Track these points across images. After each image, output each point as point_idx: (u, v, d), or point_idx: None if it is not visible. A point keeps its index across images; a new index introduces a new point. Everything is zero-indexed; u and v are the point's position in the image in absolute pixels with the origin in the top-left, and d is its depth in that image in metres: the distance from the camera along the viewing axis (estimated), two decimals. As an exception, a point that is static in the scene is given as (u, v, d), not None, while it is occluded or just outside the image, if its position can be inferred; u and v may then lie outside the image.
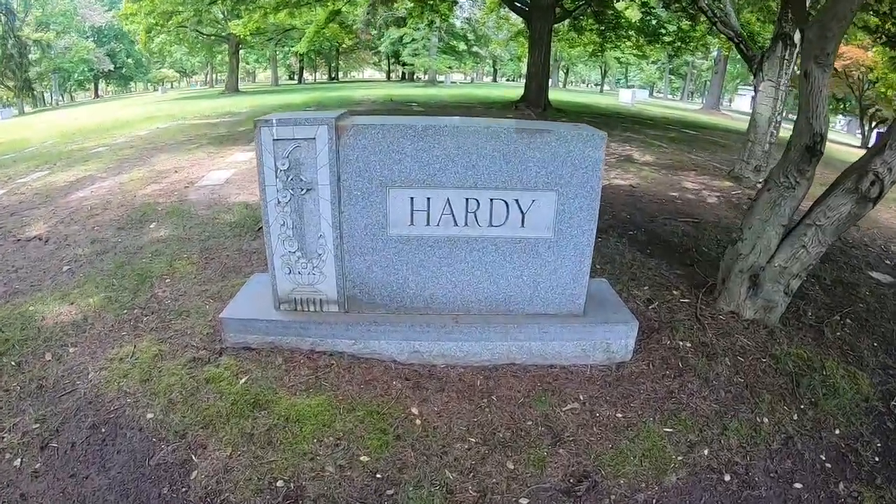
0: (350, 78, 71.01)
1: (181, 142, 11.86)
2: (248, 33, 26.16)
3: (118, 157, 10.12)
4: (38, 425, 2.85)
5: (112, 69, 53.71)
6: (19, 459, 2.65)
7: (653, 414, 3.05)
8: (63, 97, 52.83)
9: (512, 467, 2.64)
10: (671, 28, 22.52)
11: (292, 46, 45.08)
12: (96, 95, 57.99)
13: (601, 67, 60.27)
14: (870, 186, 3.55)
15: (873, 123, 28.19)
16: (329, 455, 2.64)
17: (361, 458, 2.63)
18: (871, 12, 6.20)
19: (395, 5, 19.65)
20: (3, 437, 2.77)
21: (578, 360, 3.40)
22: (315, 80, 67.92)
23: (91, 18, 50.79)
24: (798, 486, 2.71)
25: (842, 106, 34.39)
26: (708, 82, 47.89)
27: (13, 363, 3.36)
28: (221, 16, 32.93)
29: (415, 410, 2.98)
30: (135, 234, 5.64)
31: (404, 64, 49.18)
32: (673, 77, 66.16)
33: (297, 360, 3.31)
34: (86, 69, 49.68)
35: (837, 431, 3.08)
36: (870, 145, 25.66)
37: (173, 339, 3.60)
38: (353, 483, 2.49)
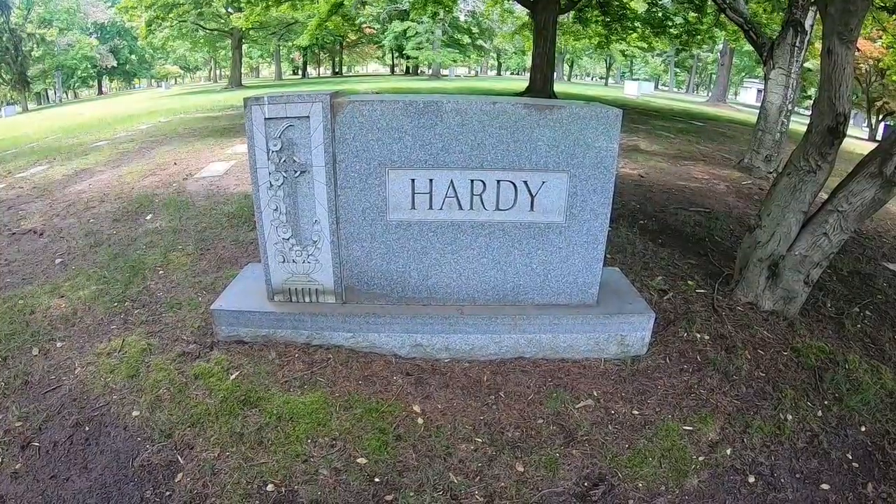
0: (354, 72, 71.34)
1: (182, 135, 11.87)
2: (249, 27, 26.14)
3: (118, 151, 10.09)
4: (20, 423, 2.78)
5: (115, 66, 54.20)
6: (0, 459, 2.57)
7: (671, 411, 2.92)
8: (67, 94, 53.11)
9: (521, 470, 2.52)
10: (678, 20, 22.33)
11: (295, 41, 45.23)
12: (100, 92, 58.52)
13: (606, 60, 60.33)
14: (895, 170, 3.37)
15: (881, 116, 28.26)
16: (323, 457, 2.52)
17: (358, 461, 2.51)
18: None
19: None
20: None
21: (591, 354, 3.26)
22: (319, 74, 68.21)
23: (93, 15, 51.19)
24: (825, 486, 2.59)
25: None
26: (713, 75, 47.85)
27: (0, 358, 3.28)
28: (223, 10, 32.94)
29: (417, 408, 2.86)
30: (130, 226, 5.59)
31: (408, 58, 49.25)
32: (678, 70, 66.29)
33: (292, 355, 3.21)
34: (89, 66, 50.10)
35: (863, 428, 2.96)
36: (878, 138, 25.66)
37: (163, 332, 3.51)
38: (348, 487, 2.36)
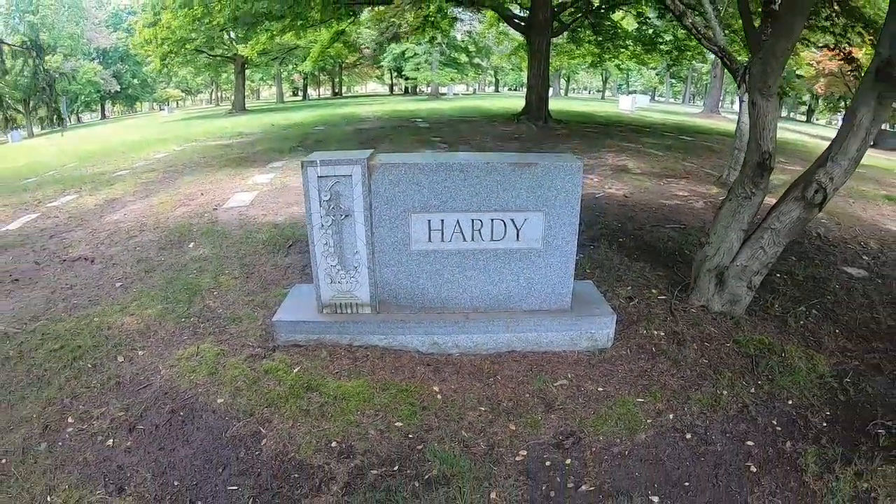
0: (353, 92, 71.65)
1: (199, 164, 12.38)
2: (254, 54, 26.81)
3: (142, 181, 10.65)
4: (122, 413, 3.35)
5: (118, 90, 54.35)
6: (111, 440, 3.14)
7: (628, 388, 3.66)
8: (70, 118, 53.64)
9: (514, 428, 3.27)
10: (668, 37, 22.80)
11: (296, 64, 45.70)
12: (103, 116, 58.49)
13: (602, 74, 60.67)
14: (814, 194, 4.14)
15: None
16: (371, 422, 3.27)
17: (396, 424, 3.26)
18: (829, 33, 6.80)
19: (395, 20, 19.96)
20: (94, 424, 3.27)
21: (567, 347, 4.05)
22: (319, 95, 68.57)
23: (97, 41, 51.45)
24: (750, 443, 3.19)
25: (841, 104, 34.79)
26: (709, 85, 48.09)
27: (89, 365, 3.86)
28: (228, 37, 33.61)
29: (436, 388, 3.62)
30: (176, 254, 6.16)
31: (407, 78, 49.69)
32: (674, 81, 66.36)
33: (339, 353, 3.95)
34: (93, 91, 50.32)
35: (790, 402, 3.54)
36: (865, 143, 26.14)
37: (231, 340, 4.17)
38: (391, 441, 3.13)
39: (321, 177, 3.66)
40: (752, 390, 3.67)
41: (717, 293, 4.65)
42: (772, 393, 3.65)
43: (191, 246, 6.42)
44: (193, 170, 11.71)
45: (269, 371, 3.75)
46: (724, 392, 3.64)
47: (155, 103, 68.37)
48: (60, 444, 3.15)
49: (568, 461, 3.04)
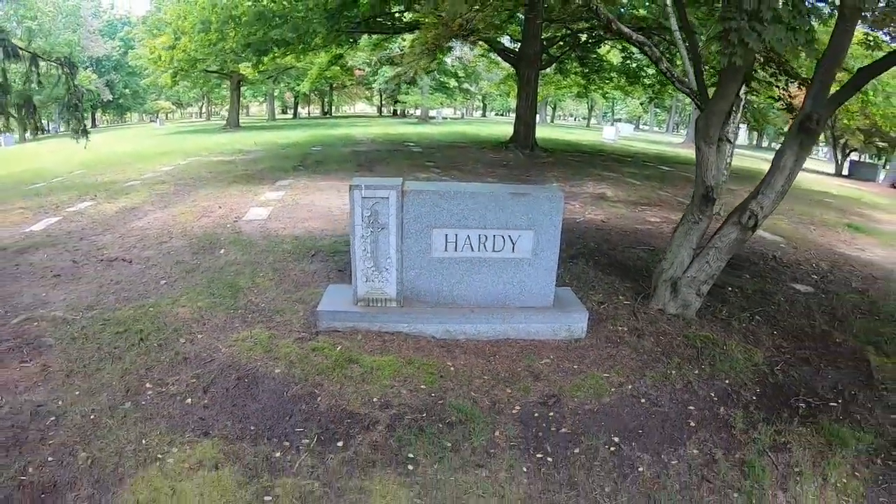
0: (342, 112, 72.00)
1: (209, 179, 13.01)
2: (255, 74, 27.44)
3: (157, 192, 11.28)
4: (195, 380, 3.99)
5: (110, 99, 54.34)
6: (189, 399, 3.78)
7: (597, 367, 4.59)
8: (59, 126, 53.53)
9: (510, 391, 4.20)
10: (650, 71, 23.91)
11: (289, 82, 46.31)
12: (93, 125, 58.17)
13: (588, 103, 61.40)
14: (748, 220, 5.13)
15: (847, 152, 29.81)
16: (402, 385, 4.16)
17: (421, 387, 4.17)
18: (774, 86, 7.81)
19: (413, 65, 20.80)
20: (170, 388, 3.89)
21: (550, 336, 5.01)
22: (309, 113, 68.96)
23: (91, 49, 51.33)
24: (691, 407, 4.03)
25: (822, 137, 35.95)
26: (691, 115, 48.60)
27: (156, 345, 4.48)
28: (236, 58, 34.29)
29: (449, 363, 4.49)
30: (210, 258, 6.76)
31: (396, 101, 50.22)
32: (658, 110, 67.38)
33: (371, 337, 4.79)
34: (84, 99, 50.21)
35: (727, 381, 4.38)
36: (844, 173, 27.34)
37: (278, 327, 4.88)
38: (419, 398, 4.05)
39: (364, 197, 4.67)
40: (696, 372, 4.53)
41: (672, 299, 5.62)
42: (712, 374, 4.51)
43: (221, 252, 7.01)
44: (205, 184, 12.29)
45: (315, 349, 4.57)
46: (673, 372, 4.52)
47: (145, 114, 68.18)
48: (144, 402, 3.74)
49: (551, 414, 3.99)
